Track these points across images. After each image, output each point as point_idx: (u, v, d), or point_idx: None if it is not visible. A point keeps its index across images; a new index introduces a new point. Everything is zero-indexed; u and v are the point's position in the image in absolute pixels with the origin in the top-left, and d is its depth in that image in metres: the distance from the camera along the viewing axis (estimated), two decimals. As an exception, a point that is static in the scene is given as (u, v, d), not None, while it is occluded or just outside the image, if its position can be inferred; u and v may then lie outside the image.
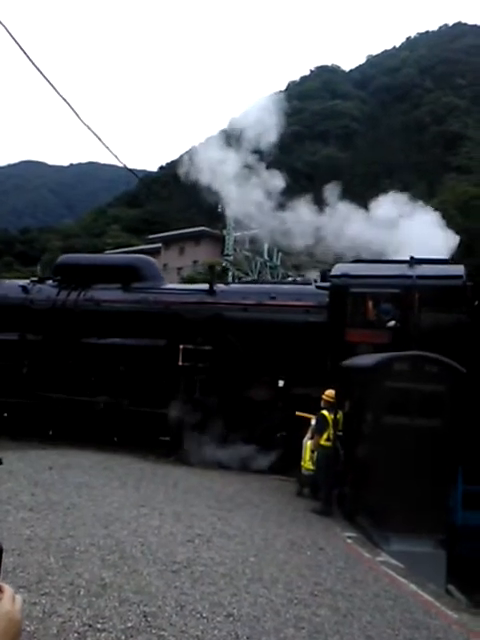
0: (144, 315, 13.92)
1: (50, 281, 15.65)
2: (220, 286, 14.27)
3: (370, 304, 11.86)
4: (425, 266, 11.72)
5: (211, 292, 13.77)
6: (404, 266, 11.75)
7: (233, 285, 14.97)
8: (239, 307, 13.26)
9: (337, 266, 12.68)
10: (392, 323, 11.47)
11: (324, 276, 13.62)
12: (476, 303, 11.50)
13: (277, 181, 18.65)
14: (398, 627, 5.18)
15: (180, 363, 13.14)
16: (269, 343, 12.57)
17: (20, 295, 15.28)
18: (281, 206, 18.34)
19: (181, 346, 13.18)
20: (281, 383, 12.22)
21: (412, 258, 11.73)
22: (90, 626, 4.29)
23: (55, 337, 14.43)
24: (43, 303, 14.92)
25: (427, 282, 11.39)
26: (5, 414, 14.52)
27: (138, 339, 13.71)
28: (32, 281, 15.85)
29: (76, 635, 4.14)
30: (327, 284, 12.50)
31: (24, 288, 15.42)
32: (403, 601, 5.92)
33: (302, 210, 17.67)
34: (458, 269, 11.62)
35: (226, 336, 12.94)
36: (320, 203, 18.17)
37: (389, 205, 16.45)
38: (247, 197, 17.77)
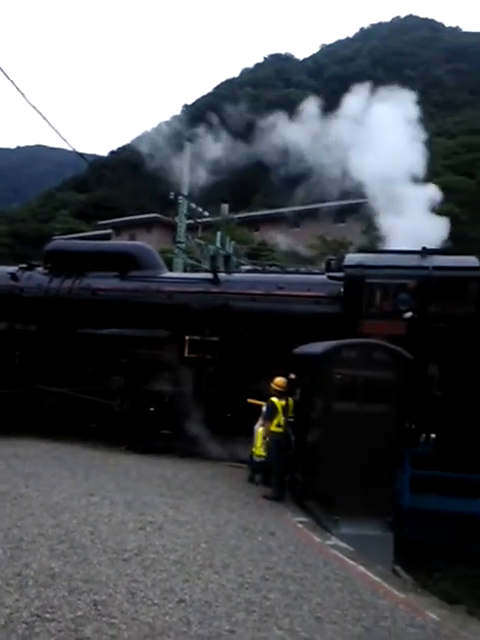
0: (145, 305, 13.43)
1: (40, 268, 15.02)
2: (223, 275, 13.89)
3: (386, 295, 11.66)
4: (438, 257, 11.69)
5: (216, 281, 13.40)
6: (416, 256, 11.67)
7: (236, 274, 14.47)
8: (246, 297, 12.91)
9: (349, 256, 12.47)
10: (408, 314, 11.31)
11: (329, 266, 13.45)
12: None
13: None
14: (347, 608, 5.29)
15: (186, 355, 12.81)
16: (279, 335, 12.13)
17: (8, 283, 14.64)
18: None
19: (187, 337, 12.83)
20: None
21: (424, 248, 11.70)
22: (38, 616, 4.23)
23: (49, 327, 13.89)
24: (34, 291, 14.33)
25: (443, 273, 11.26)
26: None
27: (139, 329, 13.25)
28: (21, 268, 15.17)
29: (24, 625, 4.07)
30: (340, 274, 12.24)
31: (13, 275, 14.77)
32: (351, 583, 6.05)
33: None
34: (473, 260, 11.55)
35: (235, 327, 12.57)
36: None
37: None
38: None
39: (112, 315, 13.52)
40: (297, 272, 14.62)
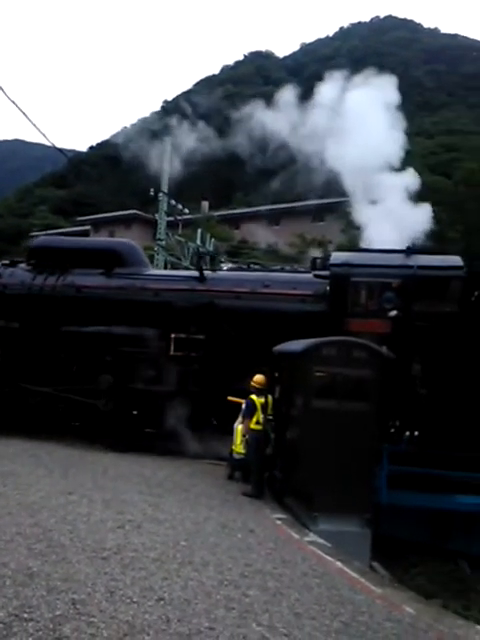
0: (131, 302, 13.27)
1: (23, 265, 14.72)
2: (209, 273, 13.76)
3: (372, 293, 11.69)
4: (422, 256, 11.77)
5: (202, 279, 13.28)
6: (401, 256, 11.75)
7: (221, 272, 14.33)
8: (232, 295, 12.85)
9: (335, 255, 12.45)
10: (394, 313, 11.36)
11: (314, 264, 13.40)
12: (475, 295, 11.34)
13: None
14: (325, 603, 5.34)
15: (171, 352, 12.70)
16: (265, 333, 11.89)
17: None
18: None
19: (173, 335, 12.73)
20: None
21: (408, 248, 11.80)
22: (16, 616, 4.20)
23: (32, 325, 13.63)
24: (17, 288, 14.06)
25: (428, 272, 11.33)
26: None
27: (124, 327, 13.05)
28: (3, 264, 14.86)
29: (1, 625, 4.04)
30: (326, 273, 12.24)
31: None
32: (329, 578, 6.11)
33: None
34: (456, 260, 11.68)
35: (221, 325, 12.46)
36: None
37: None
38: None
39: (97, 313, 13.33)
40: (282, 270, 14.64)
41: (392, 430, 10.91)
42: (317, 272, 12.89)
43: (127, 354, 12.93)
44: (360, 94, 15.16)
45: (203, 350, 12.68)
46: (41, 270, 14.23)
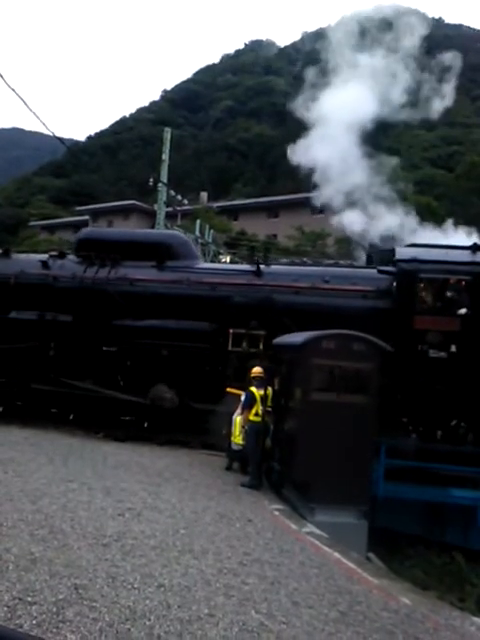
0: (186, 296, 13.02)
1: (71, 256, 14.41)
2: (264, 267, 13.33)
3: (441, 290, 11.51)
4: None
5: (258, 273, 13.03)
6: (467, 252, 11.54)
7: (277, 266, 13.85)
8: (291, 290, 12.55)
9: (400, 250, 12.15)
10: (463, 310, 11.17)
11: (370, 259, 13.12)
12: None
13: None
14: (323, 593, 5.41)
15: (230, 348, 12.49)
16: (326, 329, 11.26)
17: (40, 271, 14.01)
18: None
19: (231, 330, 12.49)
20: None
21: (475, 244, 11.63)
22: (20, 600, 4.26)
23: (85, 318, 13.36)
24: (68, 281, 13.71)
25: None
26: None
27: (180, 321, 12.83)
28: (51, 256, 14.51)
29: (6, 609, 4.10)
30: (392, 268, 12.03)
31: (44, 263, 14.14)
32: (327, 569, 6.18)
33: None
34: None
35: (281, 320, 12.08)
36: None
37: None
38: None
39: (152, 306, 13.08)
40: (337, 265, 14.41)
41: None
42: (381, 268, 12.55)
43: (183, 349, 12.71)
44: None
45: (263, 346, 12.37)
46: (91, 262, 13.88)
